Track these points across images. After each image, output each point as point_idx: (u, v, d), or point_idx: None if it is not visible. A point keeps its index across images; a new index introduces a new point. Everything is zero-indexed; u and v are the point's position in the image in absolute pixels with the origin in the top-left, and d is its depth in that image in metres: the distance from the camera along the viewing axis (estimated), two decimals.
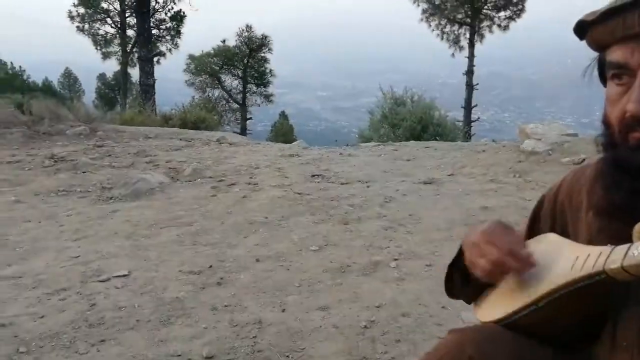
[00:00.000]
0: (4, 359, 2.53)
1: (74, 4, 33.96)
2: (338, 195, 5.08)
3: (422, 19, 27.73)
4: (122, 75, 37.95)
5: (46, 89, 62.47)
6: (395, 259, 3.62)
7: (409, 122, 12.32)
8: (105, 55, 37.23)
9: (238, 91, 36.36)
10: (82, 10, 34.45)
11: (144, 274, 3.45)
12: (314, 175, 5.91)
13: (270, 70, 36.47)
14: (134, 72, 36.61)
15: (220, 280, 3.35)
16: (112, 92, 62.57)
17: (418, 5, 27.46)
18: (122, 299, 3.11)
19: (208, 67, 34.95)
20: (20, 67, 69.67)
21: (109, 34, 36.14)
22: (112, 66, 43.39)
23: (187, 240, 4.05)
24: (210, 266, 3.55)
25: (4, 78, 61.81)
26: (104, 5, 34.70)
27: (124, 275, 3.42)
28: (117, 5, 34.67)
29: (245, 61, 35.81)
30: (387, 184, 5.57)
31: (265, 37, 35.99)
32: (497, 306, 1.07)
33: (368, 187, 5.47)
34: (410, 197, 5.06)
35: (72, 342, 2.67)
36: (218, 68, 35.33)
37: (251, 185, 5.54)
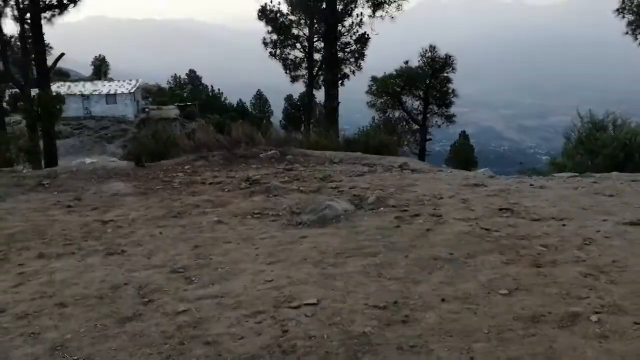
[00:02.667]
0: None
1: (268, 31, 36.83)
2: (529, 234, 4.79)
3: (627, 32, 25.12)
4: (308, 97, 40.19)
5: (240, 110, 68.35)
6: (597, 313, 3.29)
7: (610, 150, 11.19)
8: (294, 79, 39.72)
9: (419, 112, 36.34)
10: (275, 37, 37.25)
11: (332, 304, 3.56)
12: (502, 210, 5.65)
13: (453, 91, 35.92)
14: (319, 94, 38.57)
15: (406, 318, 3.33)
16: (298, 112, 66.36)
17: (623, 17, 24.93)
18: (312, 329, 3.24)
19: (390, 88, 35.41)
20: (219, 90, 77.20)
21: (298, 59, 38.54)
22: (299, 88, 46.14)
23: (372, 272, 4.10)
24: (396, 302, 3.55)
25: (206, 100, 68.90)
26: (295, 31, 37.15)
27: (314, 304, 3.56)
28: (306, 32, 36.91)
29: (428, 82, 35.71)
30: (586, 224, 5.12)
31: (449, 57, 35.56)
32: None
33: (564, 225, 5.08)
34: (615, 241, 4.59)
35: None
36: (400, 89, 35.62)
37: (435, 217, 5.47)
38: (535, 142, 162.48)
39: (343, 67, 34.64)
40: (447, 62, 35.93)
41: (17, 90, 24.46)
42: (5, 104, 26.71)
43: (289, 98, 67.14)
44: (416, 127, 36.96)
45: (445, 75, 36.38)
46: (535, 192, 6.56)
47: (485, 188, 6.88)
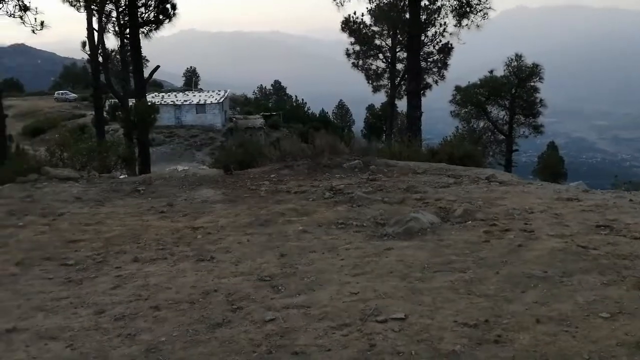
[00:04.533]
0: None
1: (351, 42, 37.08)
2: (632, 253, 4.48)
3: None
4: (389, 106, 40.02)
5: (322, 119, 69.10)
6: None
7: None
8: (376, 89, 39.73)
9: (504, 122, 35.29)
10: (357, 47, 37.44)
11: (420, 319, 3.49)
12: (599, 226, 5.33)
13: (541, 100, 34.63)
14: (400, 104, 38.31)
15: (498, 338, 3.20)
16: (379, 121, 66.14)
17: None
18: (399, 344, 3.18)
19: (474, 98, 34.60)
20: (302, 99, 78.45)
21: (380, 69, 38.51)
22: (380, 98, 46.09)
23: (461, 289, 3.98)
24: (486, 320, 3.42)
25: (290, 110, 70.23)
26: (377, 42, 37.17)
27: (401, 319, 3.50)
28: (389, 42, 36.83)
29: (514, 91, 34.62)
30: None
31: (536, 65, 34.33)
32: None
33: None
34: None
35: None
36: (484, 99, 34.73)
37: (526, 232, 5.24)
38: (631, 154, 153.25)
39: (425, 76, 34.25)
40: (533, 71, 34.70)
41: (116, 100, 25.94)
42: (105, 113, 28.37)
43: (370, 107, 67.10)
44: (501, 137, 35.88)
45: (532, 84, 35.12)
46: (636, 208, 6.15)
47: (579, 202, 6.53)
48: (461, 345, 3.12)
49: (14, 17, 22.80)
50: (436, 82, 36.01)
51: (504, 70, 35.52)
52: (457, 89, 36.15)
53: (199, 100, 54.88)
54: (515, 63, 34.98)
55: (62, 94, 66.62)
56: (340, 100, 79.25)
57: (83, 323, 3.69)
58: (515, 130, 35.23)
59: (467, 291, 3.93)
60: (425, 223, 5.72)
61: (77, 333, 3.53)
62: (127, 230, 6.15)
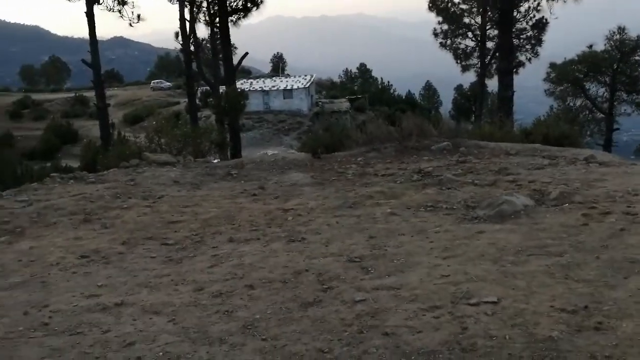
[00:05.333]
0: None
1: (438, 22, 36.19)
2: None
3: None
4: (479, 86, 38.78)
5: (409, 101, 68.13)
6: None
7: None
8: (465, 68, 38.62)
9: (604, 99, 33.25)
10: (445, 27, 36.47)
11: (514, 304, 3.41)
12: None
13: None
14: (490, 83, 37.02)
15: (599, 325, 3.07)
16: (468, 102, 64.36)
17: None
18: (492, 328, 3.13)
19: (571, 75, 32.82)
20: (388, 82, 77.66)
21: (469, 48, 37.35)
22: (469, 78, 44.74)
23: (557, 273, 3.84)
24: (586, 306, 3.29)
25: (375, 92, 69.75)
26: (466, 20, 36.03)
27: (493, 302, 3.43)
28: (478, 20, 35.58)
29: (615, 66, 32.48)
30: None
31: None
32: None
33: None
34: None
35: None
36: (582, 76, 32.87)
37: (630, 215, 4.95)
38: None
39: (518, 54, 32.80)
40: (638, 44, 32.33)
41: (208, 87, 26.90)
42: (197, 101, 29.53)
43: (459, 88, 65.37)
44: (600, 115, 33.87)
45: (636, 58, 32.77)
46: None
47: None
48: (559, 332, 3.02)
49: (113, 11, 24.24)
50: (529, 59, 34.44)
51: (605, 45, 33.41)
52: (552, 66, 34.45)
53: (286, 85, 55.75)
54: (618, 36, 32.79)
55: (157, 83, 69.93)
56: (427, 81, 77.72)
57: (183, 299, 3.90)
58: (616, 108, 33.15)
59: (565, 276, 3.78)
60: (518, 206, 5.54)
61: (178, 309, 3.75)
62: (222, 212, 6.41)
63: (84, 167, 15.56)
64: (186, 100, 34.17)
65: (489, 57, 35.24)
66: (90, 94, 46.30)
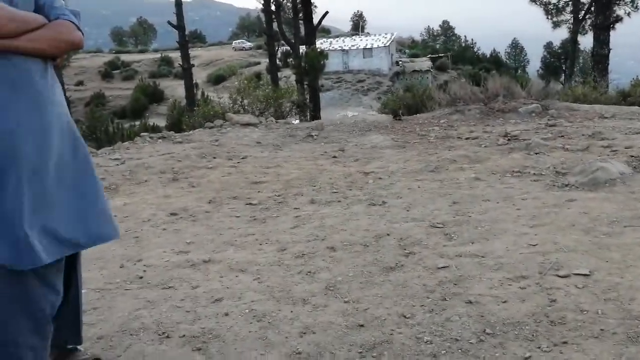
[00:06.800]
0: (472, 336, 2.77)
1: None
2: None
3: None
4: (571, 44, 36.60)
5: (493, 60, 65.52)
6: None
7: None
8: (556, 25, 36.55)
9: None
10: None
11: (607, 277, 3.25)
12: None
13: None
14: (584, 40, 34.85)
15: None
16: (558, 61, 61.06)
17: None
18: (583, 301, 3.00)
19: None
20: (472, 40, 74.85)
21: (561, 2, 35.21)
22: (560, 35, 42.32)
23: None
24: None
25: (458, 51, 67.53)
26: None
27: (585, 275, 3.29)
28: None
29: None
30: None
31: None
32: None
33: None
34: None
35: (534, 335, 2.73)
36: None
37: None
38: None
39: (615, 8, 30.54)
40: None
41: (288, 47, 26.98)
42: (277, 61, 29.74)
43: (549, 45, 62.06)
44: None
45: None
46: None
47: None
48: None
49: None
50: (628, 14, 31.98)
51: None
52: None
53: (366, 44, 54.94)
54: None
55: (239, 43, 70.94)
56: (514, 39, 74.28)
57: (267, 258, 4.00)
58: None
59: None
60: (614, 173, 5.23)
61: (262, 267, 3.85)
62: (303, 174, 6.48)
63: (170, 127, 16.19)
64: (267, 60, 34.50)
65: (583, 11, 33.06)
66: (175, 55, 47.79)
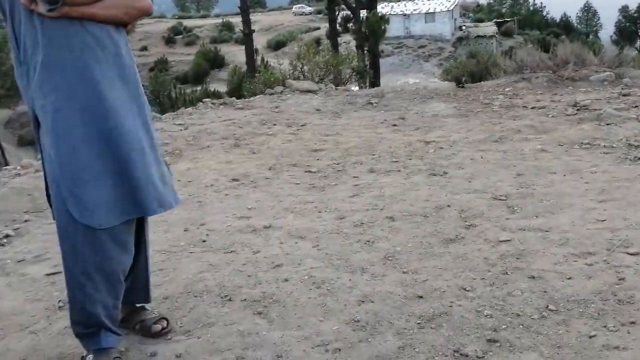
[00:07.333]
0: (534, 311, 2.72)
1: None
2: None
3: None
4: None
5: (563, 25, 62.55)
6: None
7: None
8: None
9: None
10: None
11: None
12: None
13: None
14: None
15: None
16: (634, 25, 57.71)
17: None
18: None
19: None
20: (540, 3, 71.55)
21: None
22: None
23: None
24: None
25: (526, 15, 64.78)
26: None
27: None
28: None
29: None
30: None
31: None
32: None
33: None
34: None
35: (600, 314, 2.66)
36: None
37: None
38: None
39: None
40: None
41: (348, 12, 26.60)
42: (337, 26, 29.39)
43: (624, 9, 58.67)
44: None
45: None
46: None
47: None
48: None
49: None
50: None
51: None
52: None
53: (429, 9, 53.41)
54: None
55: (299, 8, 70.46)
56: (586, 2, 70.54)
57: (326, 226, 4.03)
58: None
59: None
60: None
61: (321, 235, 3.89)
62: (362, 142, 6.44)
63: (231, 93, 16.40)
64: (327, 25, 34.14)
65: None
66: (236, 20, 47.97)
